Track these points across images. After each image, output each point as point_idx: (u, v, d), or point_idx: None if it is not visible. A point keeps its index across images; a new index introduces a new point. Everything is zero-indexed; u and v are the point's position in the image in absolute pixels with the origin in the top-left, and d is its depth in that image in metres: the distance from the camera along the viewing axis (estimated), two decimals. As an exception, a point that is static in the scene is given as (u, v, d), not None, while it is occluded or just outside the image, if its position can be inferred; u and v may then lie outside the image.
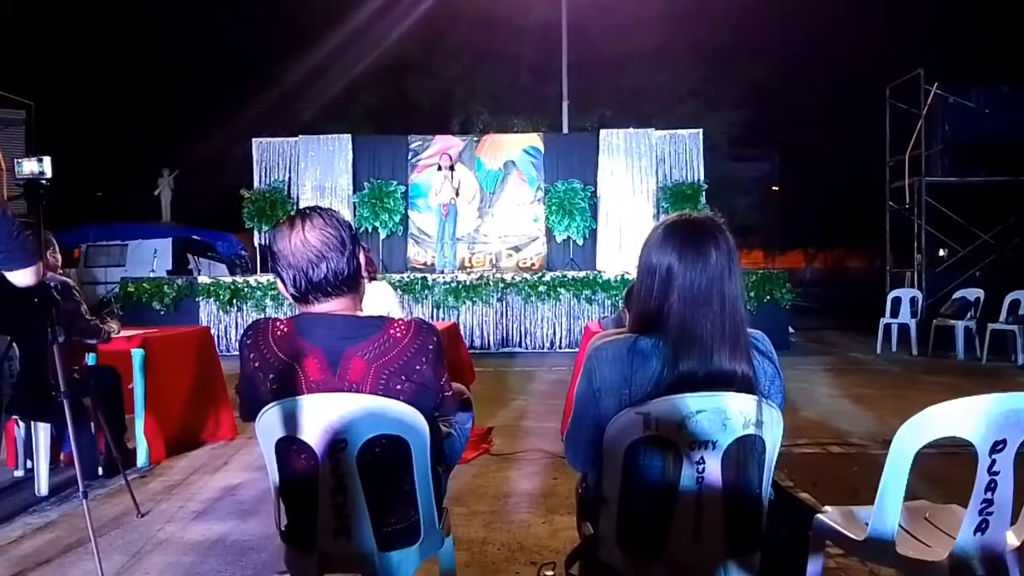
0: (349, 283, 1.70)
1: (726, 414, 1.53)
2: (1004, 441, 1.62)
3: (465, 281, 9.97)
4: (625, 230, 12.44)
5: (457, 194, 11.29)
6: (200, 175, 17.84)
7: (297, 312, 1.73)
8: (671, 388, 1.53)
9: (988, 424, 1.61)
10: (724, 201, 14.81)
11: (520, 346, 9.95)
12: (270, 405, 1.61)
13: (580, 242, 12.56)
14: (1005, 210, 10.99)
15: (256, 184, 12.86)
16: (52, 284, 3.45)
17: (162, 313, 9.88)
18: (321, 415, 1.59)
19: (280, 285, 1.71)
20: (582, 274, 10.09)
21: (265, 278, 10.26)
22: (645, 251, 1.64)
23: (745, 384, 1.56)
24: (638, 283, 1.66)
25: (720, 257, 1.56)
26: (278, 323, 1.68)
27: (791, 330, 10.28)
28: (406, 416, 1.62)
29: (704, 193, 12.43)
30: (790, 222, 25.75)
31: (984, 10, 16.12)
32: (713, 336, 1.54)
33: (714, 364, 1.54)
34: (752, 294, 9.40)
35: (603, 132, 12.95)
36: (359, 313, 1.72)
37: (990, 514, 1.66)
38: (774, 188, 28.65)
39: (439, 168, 11.37)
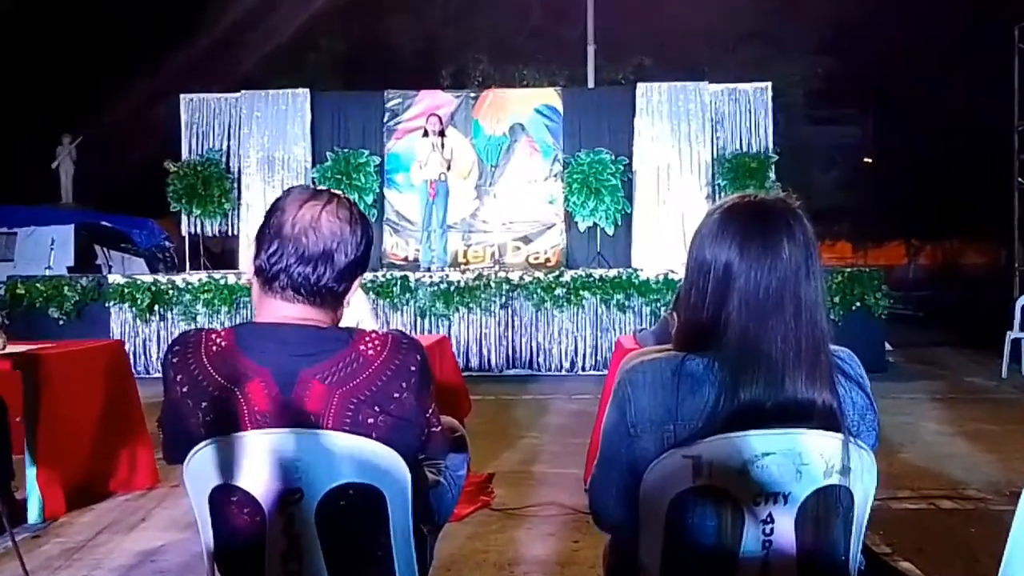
0: (327, 298, 1.73)
1: (802, 458, 1.53)
2: None
3: (459, 282, 9.98)
4: (670, 215, 12.43)
5: (449, 168, 11.30)
6: (112, 143, 17.87)
7: (255, 305, 1.74)
8: (729, 423, 1.53)
9: None
10: (800, 177, 14.79)
11: (531, 367, 9.94)
12: (203, 444, 1.62)
13: (610, 231, 12.56)
14: None
15: (185, 154, 12.92)
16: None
17: (61, 323, 9.90)
18: (269, 457, 1.60)
19: (253, 252, 1.74)
20: (612, 273, 10.09)
21: (196, 277, 10.29)
22: (696, 243, 1.65)
23: (827, 418, 1.55)
24: (687, 285, 1.66)
25: (794, 251, 1.57)
26: (213, 336, 1.70)
27: (888, 347, 10.25)
28: (380, 459, 1.62)
29: (773, 167, 12.42)
30: (887, 204, 25.62)
31: None
32: (785, 355, 1.54)
33: (786, 392, 1.54)
34: (836, 299, 9.37)
35: (640, 86, 12.96)
36: (320, 324, 1.73)
37: None
38: (866, 160, 28.55)
39: (425, 134, 11.39)
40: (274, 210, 1.73)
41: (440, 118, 11.50)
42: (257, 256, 1.72)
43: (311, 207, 1.70)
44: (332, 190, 1.78)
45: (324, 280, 1.69)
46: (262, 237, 1.72)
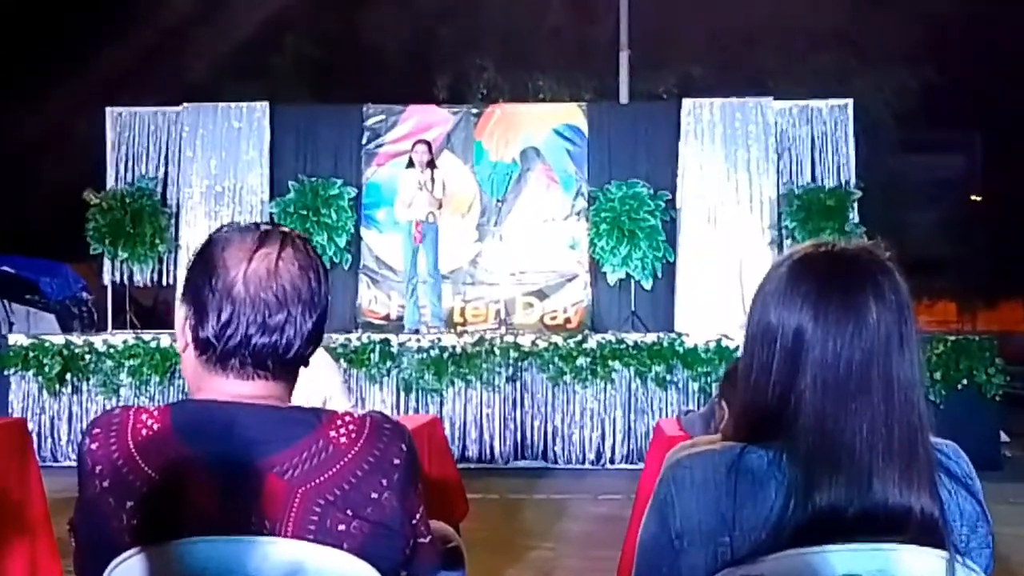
0: (289, 367, 1.73)
1: (895, 581, 1.51)
2: None
3: (454, 347, 9.97)
4: (723, 266, 12.43)
5: (441, 206, 11.27)
6: (18, 167, 18.02)
7: (190, 382, 1.74)
8: (801, 535, 1.53)
9: None
10: (890, 219, 14.84)
11: (545, 458, 9.91)
12: (127, 554, 1.61)
13: (647, 285, 12.56)
14: None
15: (110, 183, 12.94)
16: None
17: (-53, 395, 9.93)
18: (212, 572, 1.59)
19: (182, 319, 1.72)
20: (650, 339, 10.08)
21: (120, 338, 10.29)
22: (758, 303, 1.66)
23: (927, 530, 1.55)
24: (747, 357, 1.67)
25: (884, 314, 1.57)
26: (143, 416, 1.69)
27: (1004, 438, 10.18)
28: (354, 576, 1.62)
29: (856, 205, 12.45)
30: (1002, 254, 25.66)
31: None
32: (872, 447, 1.54)
33: (874, 495, 1.54)
34: (938, 375, 9.34)
35: (687, 103, 13.04)
36: (278, 403, 1.73)
37: None
38: (974, 198, 28.66)
39: (411, 163, 11.40)
40: (211, 265, 1.68)
41: (429, 145, 11.23)
42: (201, 326, 1.67)
43: (264, 257, 1.66)
44: (280, 226, 1.75)
45: (295, 349, 1.68)
46: (204, 302, 1.67)
